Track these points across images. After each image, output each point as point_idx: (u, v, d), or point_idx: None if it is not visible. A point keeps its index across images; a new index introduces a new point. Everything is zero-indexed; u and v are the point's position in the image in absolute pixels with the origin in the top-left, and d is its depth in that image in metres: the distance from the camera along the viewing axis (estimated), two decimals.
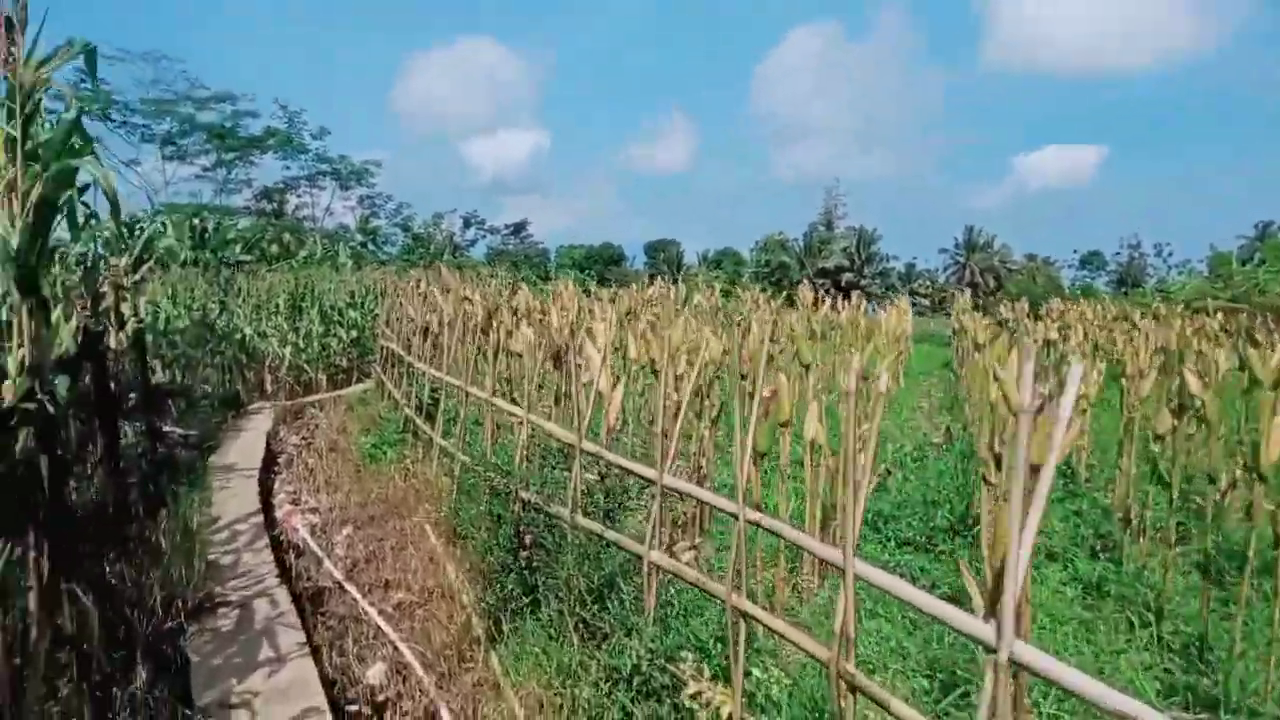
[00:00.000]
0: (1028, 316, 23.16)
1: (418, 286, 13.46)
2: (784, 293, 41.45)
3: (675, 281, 31.41)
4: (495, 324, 9.19)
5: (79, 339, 5.67)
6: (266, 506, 9.65)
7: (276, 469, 11.85)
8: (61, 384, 5.05)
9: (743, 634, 4.36)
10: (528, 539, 6.36)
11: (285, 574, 7.86)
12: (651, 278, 61.90)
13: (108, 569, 5.91)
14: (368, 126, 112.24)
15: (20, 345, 3.64)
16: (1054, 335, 15.65)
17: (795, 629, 3.99)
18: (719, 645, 5.49)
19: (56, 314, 5.52)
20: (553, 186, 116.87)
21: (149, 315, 15.18)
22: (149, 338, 15.01)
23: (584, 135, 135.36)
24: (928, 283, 74.63)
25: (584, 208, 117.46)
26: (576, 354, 7.93)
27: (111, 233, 8.09)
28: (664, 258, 70.38)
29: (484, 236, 63.59)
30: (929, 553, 8.30)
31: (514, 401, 8.56)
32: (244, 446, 11.63)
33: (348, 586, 7.67)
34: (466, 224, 61.43)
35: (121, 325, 9.34)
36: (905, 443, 13.31)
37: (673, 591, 5.64)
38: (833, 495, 7.33)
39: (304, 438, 13.40)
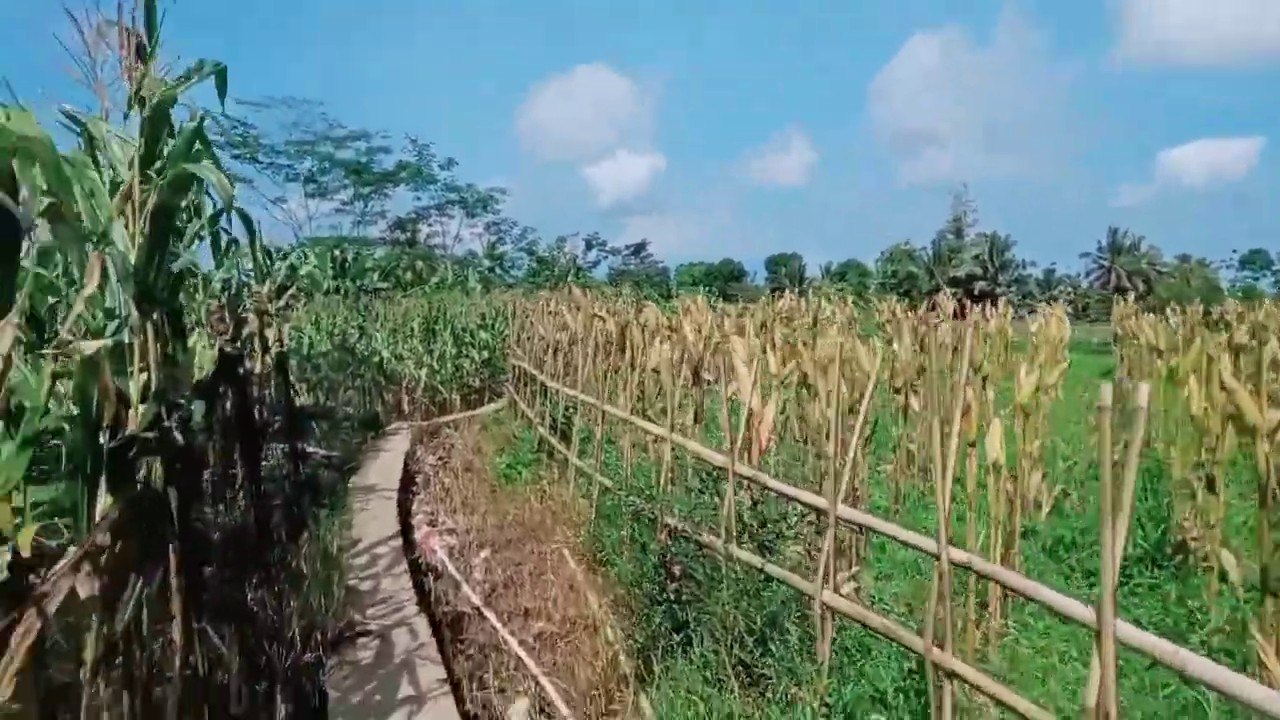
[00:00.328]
0: (1201, 320, 20.86)
1: (548, 305, 13.21)
2: (915, 304, 39.55)
3: (800, 295, 30.41)
4: (628, 340, 8.69)
5: (218, 363, 5.52)
6: (405, 528, 9.48)
7: (414, 489, 11.77)
8: (198, 409, 4.85)
9: (947, 698, 3.60)
10: (676, 569, 5.76)
11: (424, 599, 7.58)
12: (773, 292, 60.81)
13: (250, 595, 5.71)
14: (493, 156, 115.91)
15: (144, 369, 3.35)
16: (1243, 339, 13.87)
17: (1029, 703, 3.20)
18: (902, 697, 4.72)
19: (194, 339, 5.37)
20: (671, 206, 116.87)
21: (294, 340, 15.63)
22: (293, 362, 15.45)
23: (701, 154, 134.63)
24: (1068, 289, 70.04)
25: (703, 226, 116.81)
26: (721, 369, 7.33)
27: (258, 261, 8.09)
28: (785, 272, 69.00)
29: (605, 258, 64.15)
30: (1122, 585, 7.25)
31: (649, 419, 8.04)
32: (383, 467, 11.60)
33: (486, 613, 7.30)
34: (588, 246, 62.12)
35: (266, 350, 9.41)
36: (1076, 459, 12.01)
37: (836, 627, 4.92)
38: (1011, 521, 6.41)
39: (440, 458, 13.35)
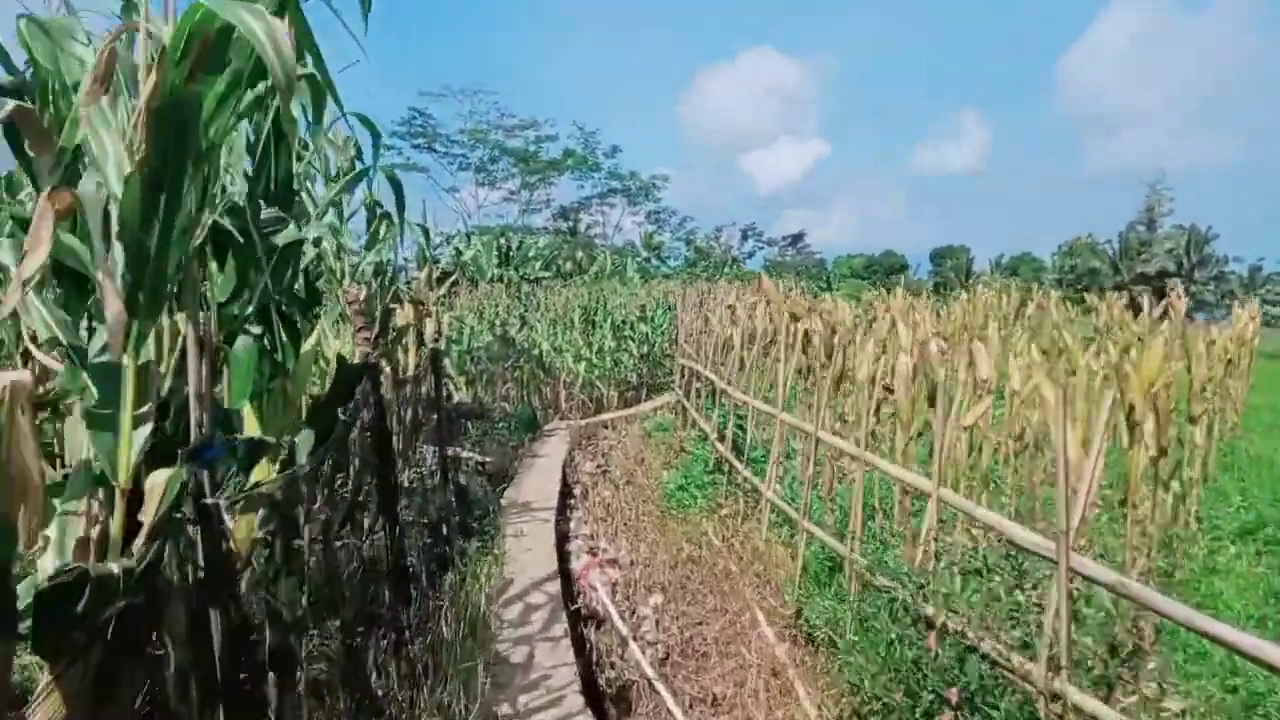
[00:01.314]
0: None
1: (725, 298, 11.43)
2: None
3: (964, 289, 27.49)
4: (836, 345, 6.78)
5: (335, 377, 4.13)
6: (561, 555, 8.03)
7: (571, 502, 10.36)
8: (304, 441, 3.41)
9: None
10: (953, 694, 3.86)
11: (585, 662, 6.06)
12: (937, 287, 56.41)
13: (374, 675, 4.31)
14: (654, 144, 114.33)
15: (143, 418, 1.84)
16: None
17: None
18: None
19: (312, 339, 3.97)
20: (831, 196, 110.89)
21: (455, 331, 14.68)
22: (453, 353, 14.48)
23: (865, 143, 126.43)
24: (1278, 288, 61.28)
25: (863, 217, 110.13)
26: (963, 382, 5.33)
27: (405, 233, 6.75)
28: (951, 265, 64.11)
29: (761, 248, 61.63)
30: None
31: (869, 450, 6.12)
32: (539, 477, 10.24)
33: (661, 690, 5.66)
34: (744, 236, 59.78)
35: (420, 344, 8.20)
36: None
37: None
38: None
39: (599, 465, 11.89)
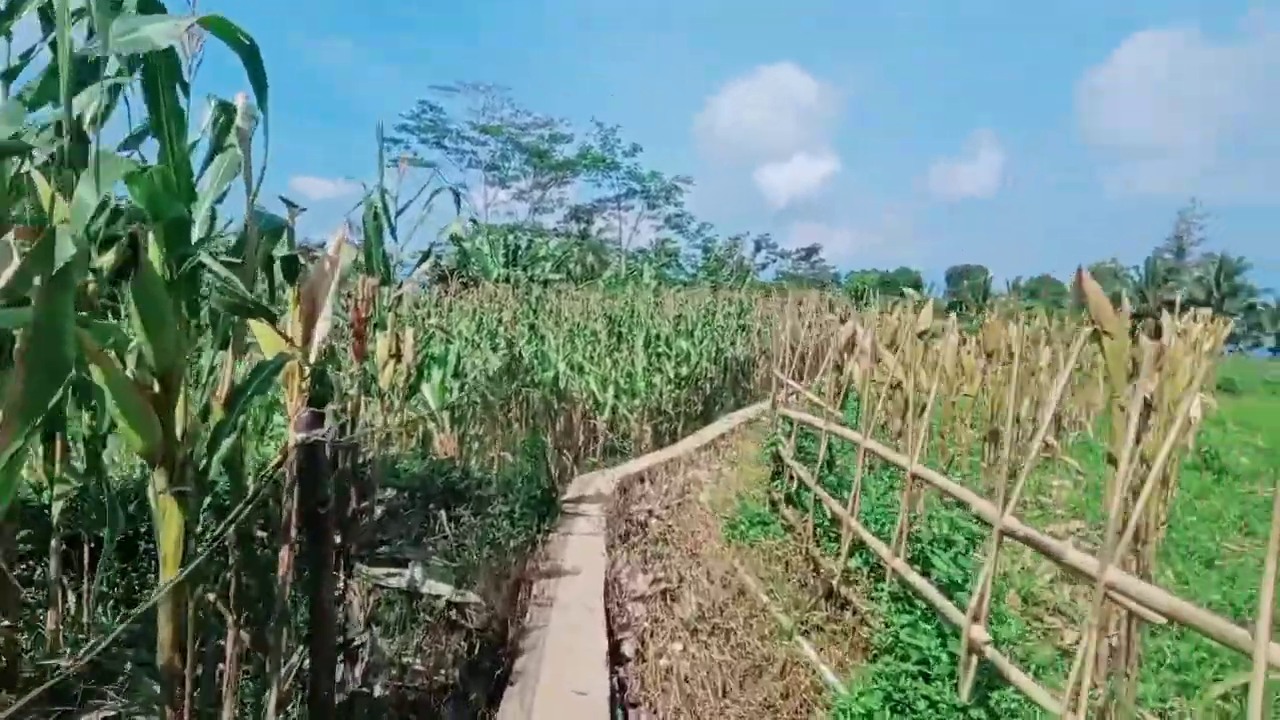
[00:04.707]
0: None
1: (892, 316, 6.43)
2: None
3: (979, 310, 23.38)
4: None
5: None
6: None
7: (621, 671, 5.38)
8: None
9: None
10: None
11: None
12: (951, 307, 51.72)
13: None
14: (668, 153, 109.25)
15: None
16: None
17: None
18: None
19: None
20: (846, 212, 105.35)
21: (437, 348, 9.67)
22: (435, 378, 9.47)
23: (881, 161, 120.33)
24: None
25: (878, 233, 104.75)
26: None
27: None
28: (968, 285, 59.46)
29: (774, 260, 56.84)
30: None
31: None
32: (569, 639, 5.22)
33: None
34: (758, 247, 55.03)
35: (306, 409, 3.25)
36: None
37: None
38: None
39: (654, 580, 6.88)
